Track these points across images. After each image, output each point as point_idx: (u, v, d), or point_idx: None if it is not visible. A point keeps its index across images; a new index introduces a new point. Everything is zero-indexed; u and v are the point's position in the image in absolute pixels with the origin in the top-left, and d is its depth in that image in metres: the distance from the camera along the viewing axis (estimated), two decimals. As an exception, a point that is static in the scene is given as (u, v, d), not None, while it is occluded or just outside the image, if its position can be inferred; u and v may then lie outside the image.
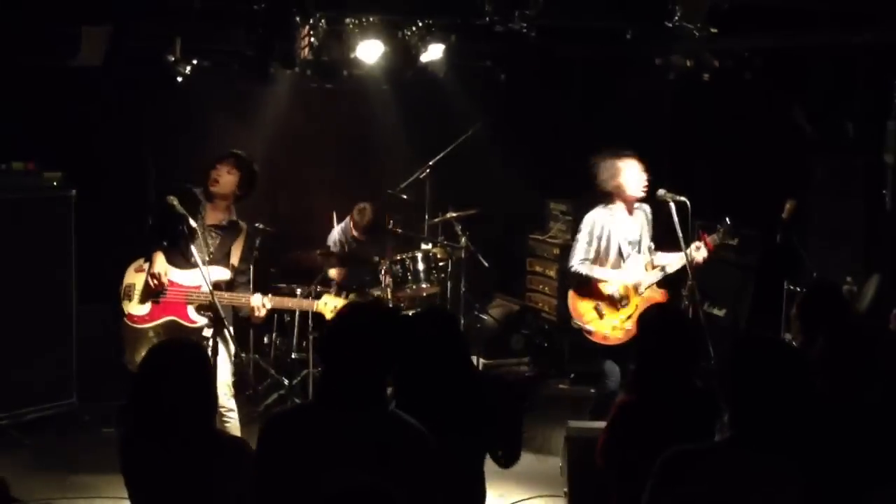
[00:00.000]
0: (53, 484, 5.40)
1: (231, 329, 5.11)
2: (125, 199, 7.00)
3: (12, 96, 6.47)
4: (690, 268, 5.49)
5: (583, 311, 5.69)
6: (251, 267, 5.49)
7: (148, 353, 3.21)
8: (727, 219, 5.64)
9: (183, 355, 3.17)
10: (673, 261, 5.66)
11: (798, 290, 6.29)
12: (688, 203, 5.47)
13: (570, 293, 5.76)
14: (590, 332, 5.66)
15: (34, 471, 5.60)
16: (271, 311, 7.29)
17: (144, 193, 5.10)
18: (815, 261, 6.35)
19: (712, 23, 6.15)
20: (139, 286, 5.20)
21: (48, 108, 6.73)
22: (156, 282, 5.11)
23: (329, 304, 5.39)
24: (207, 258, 5.11)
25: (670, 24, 6.21)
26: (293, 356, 7.24)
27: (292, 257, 6.69)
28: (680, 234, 5.47)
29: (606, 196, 5.63)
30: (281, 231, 7.32)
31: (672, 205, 5.50)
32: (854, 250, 6.45)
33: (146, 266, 5.18)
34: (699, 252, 5.55)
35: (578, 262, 5.63)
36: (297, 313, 7.15)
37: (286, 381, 6.98)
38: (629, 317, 5.61)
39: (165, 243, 5.18)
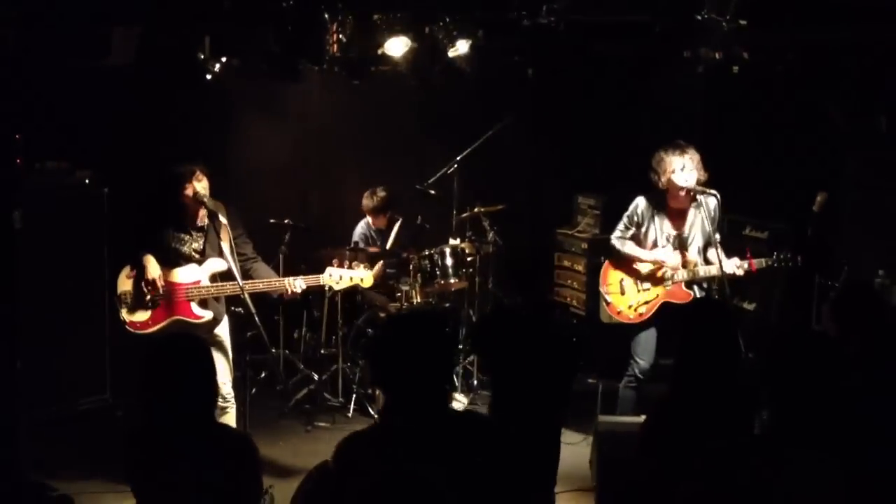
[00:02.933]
0: (87, 478, 5.46)
1: (258, 318, 5.06)
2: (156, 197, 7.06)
3: (45, 96, 6.54)
4: (721, 263, 5.47)
5: (610, 280, 5.86)
6: (245, 236, 5.42)
7: (148, 350, 3.20)
8: (788, 253, 5.60)
9: (182, 349, 3.17)
10: (710, 268, 5.64)
11: (829, 283, 6.24)
12: (718, 197, 5.43)
13: (607, 261, 5.95)
14: (607, 303, 5.83)
15: (68, 466, 5.66)
16: (301, 306, 7.42)
17: (175, 191, 5.13)
18: (847, 255, 6.29)
19: (742, 15, 6.11)
20: (134, 292, 5.16)
21: (80, 108, 6.80)
22: (152, 287, 5.08)
23: (334, 276, 5.37)
24: (199, 257, 5.17)
25: (699, 17, 6.18)
26: (322, 351, 7.28)
27: (323, 254, 6.70)
28: (709, 229, 5.46)
29: (655, 186, 5.63)
30: (311, 227, 7.36)
31: (700, 198, 5.48)
32: (887, 244, 6.38)
33: (135, 272, 5.15)
34: (740, 269, 5.52)
35: (616, 237, 5.83)
36: (326, 309, 7.19)
37: (316, 377, 7.02)
38: (646, 302, 5.67)
39: (151, 245, 5.15)
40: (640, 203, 5.71)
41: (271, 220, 7.11)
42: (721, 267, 5.43)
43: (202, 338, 3.53)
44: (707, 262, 5.69)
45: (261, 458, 3.24)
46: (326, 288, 6.94)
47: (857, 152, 6.72)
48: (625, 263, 5.80)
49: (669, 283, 5.66)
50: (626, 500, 4.30)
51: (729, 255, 5.59)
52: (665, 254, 5.67)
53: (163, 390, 3.08)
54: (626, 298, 5.77)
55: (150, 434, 3.13)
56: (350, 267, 5.37)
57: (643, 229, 5.69)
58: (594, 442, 5.33)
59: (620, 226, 5.79)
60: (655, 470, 3.55)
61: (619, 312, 5.78)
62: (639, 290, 5.75)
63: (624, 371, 5.84)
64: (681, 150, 5.49)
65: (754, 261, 5.57)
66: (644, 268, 5.73)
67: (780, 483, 2.65)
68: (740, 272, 5.54)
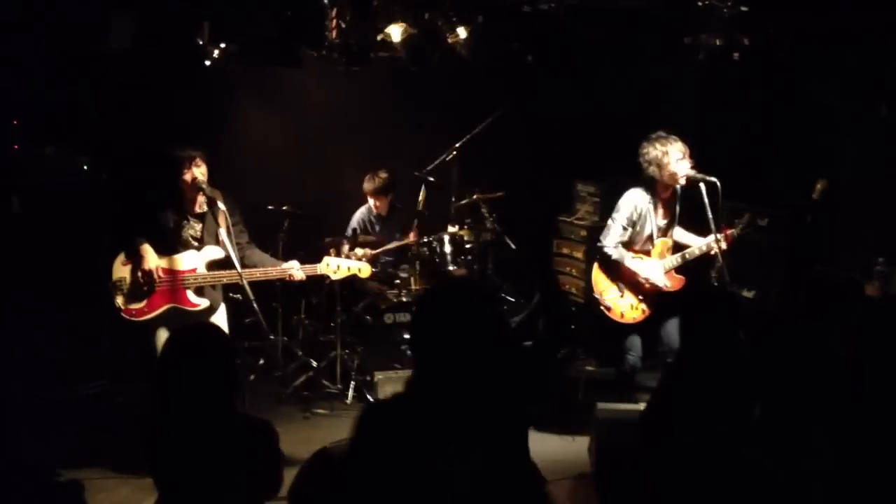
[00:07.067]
0: (87, 465, 5.46)
1: (256, 305, 5.06)
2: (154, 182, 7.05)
3: (42, 81, 6.51)
4: (719, 250, 5.47)
5: (604, 287, 5.75)
6: (242, 224, 5.44)
7: (170, 338, 3.22)
8: (748, 214, 5.63)
9: (206, 339, 3.19)
10: (694, 245, 5.65)
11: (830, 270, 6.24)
12: (717, 183, 5.43)
13: (596, 266, 5.81)
14: (608, 309, 5.73)
15: (67, 452, 5.67)
16: (299, 293, 7.41)
17: (174, 176, 5.12)
18: (847, 242, 6.29)
19: (742, 2, 6.09)
20: (129, 279, 5.16)
21: (78, 93, 6.78)
22: (149, 277, 5.08)
23: (332, 265, 5.36)
24: (196, 244, 5.17)
25: (700, 4, 6.17)
26: (321, 338, 7.28)
27: (323, 245, 6.69)
28: (710, 216, 5.45)
29: (648, 179, 5.59)
30: (309, 215, 7.35)
31: (702, 185, 5.47)
32: (887, 231, 6.38)
33: (131, 259, 5.14)
34: (720, 243, 5.52)
35: (612, 244, 5.65)
36: (325, 296, 7.18)
37: (314, 363, 7.02)
38: (646, 299, 5.66)
39: (147, 231, 5.15)
40: (636, 200, 5.61)
41: (269, 207, 7.09)
42: (714, 237, 5.45)
43: (224, 331, 3.53)
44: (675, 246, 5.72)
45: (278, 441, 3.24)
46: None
47: (857, 138, 6.71)
48: (618, 269, 5.70)
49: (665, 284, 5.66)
50: (624, 486, 4.30)
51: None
52: (651, 271, 5.64)
53: (183, 381, 3.08)
54: (626, 300, 5.70)
55: (171, 424, 3.13)
56: (348, 257, 5.37)
57: (638, 226, 5.65)
58: (593, 429, 5.34)
59: (617, 229, 5.63)
60: (655, 456, 3.56)
61: (622, 315, 5.69)
62: (637, 292, 5.70)
63: (619, 359, 5.85)
64: (673, 140, 5.50)
65: (728, 231, 5.59)
66: (640, 279, 5.68)
67: (770, 460, 2.66)
68: (723, 245, 5.52)
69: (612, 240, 5.65)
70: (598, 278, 5.78)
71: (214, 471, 3.06)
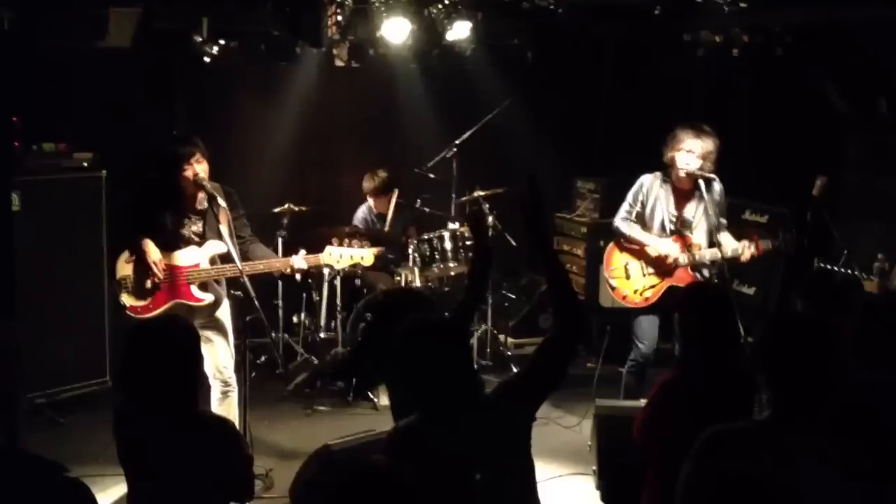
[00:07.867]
0: (87, 462, 5.46)
1: (257, 302, 5.05)
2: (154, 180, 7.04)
3: (42, 78, 6.51)
4: (750, 256, 5.45)
5: (614, 264, 5.75)
6: (244, 218, 5.42)
7: (134, 330, 3.22)
8: (792, 231, 5.60)
9: (168, 333, 3.19)
10: (714, 251, 5.58)
11: (829, 268, 6.23)
12: (716, 181, 5.42)
13: (611, 244, 5.82)
14: (612, 287, 5.74)
15: (68, 449, 5.66)
16: (300, 290, 7.41)
17: (175, 173, 5.11)
18: (847, 238, 6.28)
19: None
20: (133, 277, 5.14)
21: (78, 90, 6.77)
22: (152, 271, 5.06)
23: (334, 255, 5.35)
24: (198, 240, 5.16)
25: (699, 0, 6.16)
26: (322, 336, 7.28)
27: (321, 233, 6.67)
28: (712, 213, 5.44)
29: (665, 164, 5.59)
30: (310, 210, 7.34)
31: (701, 182, 5.45)
32: (886, 227, 6.38)
33: (134, 257, 5.13)
34: (748, 250, 5.48)
35: (620, 219, 5.70)
36: (326, 293, 7.18)
37: (315, 361, 7.02)
38: (652, 286, 5.63)
39: (149, 228, 5.12)
40: (644, 181, 5.62)
41: (275, 210, 7.08)
42: (720, 248, 5.38)
43: (191, 323, 3.51)
44: (712, 245, 5.65)
45: (245, 442, 3.24)
46: (326, 272, 6.96)
47: (857, 135, 6.71)
48: (631, 247, 5.71)
49: (673, 265, 5.63)
50: (625, 483, 4.31)
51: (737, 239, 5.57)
52: (667, 245, 5.59)
53: (143, 373, 3.09)
54: (631, 283, 5.67)
55: (133, 417, 3.14)
56: (350, 246, 5.34)
57: (648, 209, 5.62)
58: (593, 425, 5.33)
59: (625, 206, 5.67)
60: (655, 453, 3.56)
61: (624, 297, 5.67)
62: (645, 275, 5.66)
63: (623, 355, 5.83)
64: (696, 133, 5.44)
65: (761, 242, 5.54)
66: (652, 251, 5.65)
67: (780, 465, 2.66)
68: (747, 254, 5.48)
69: (619, 215, 5.69)
70: (610, 254, 5.80)
71: (176, 466, 3.07)
